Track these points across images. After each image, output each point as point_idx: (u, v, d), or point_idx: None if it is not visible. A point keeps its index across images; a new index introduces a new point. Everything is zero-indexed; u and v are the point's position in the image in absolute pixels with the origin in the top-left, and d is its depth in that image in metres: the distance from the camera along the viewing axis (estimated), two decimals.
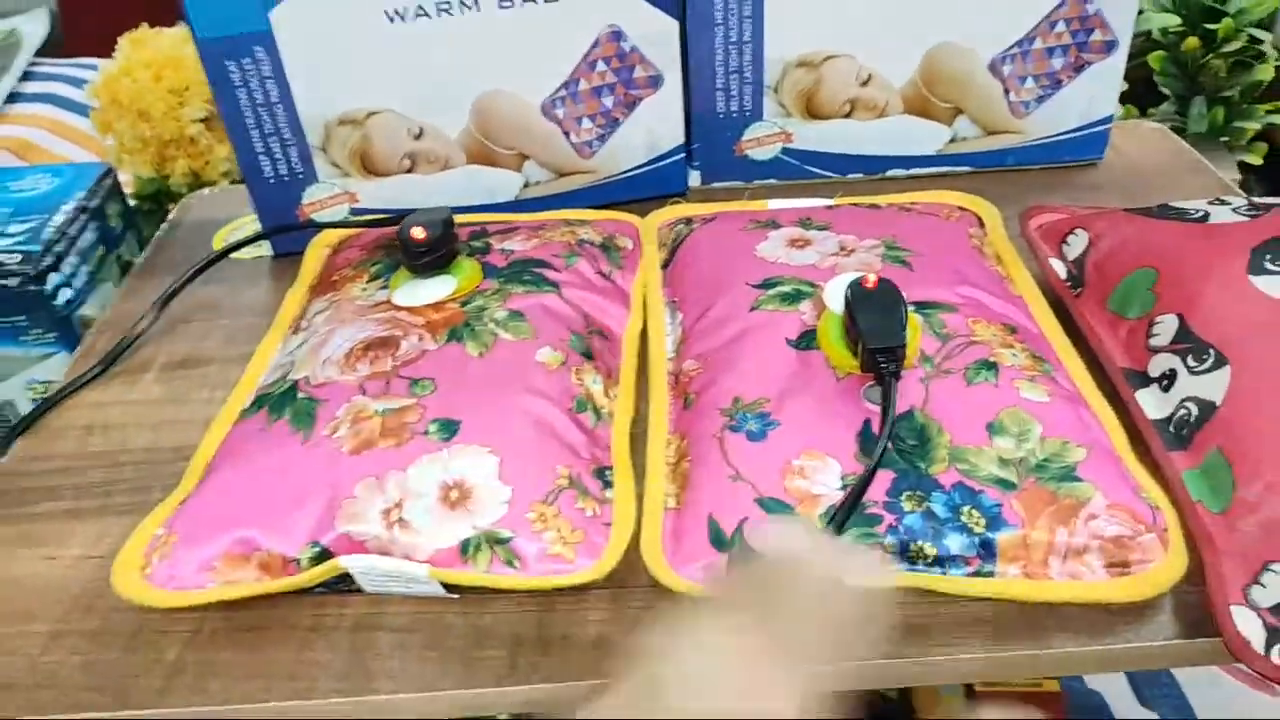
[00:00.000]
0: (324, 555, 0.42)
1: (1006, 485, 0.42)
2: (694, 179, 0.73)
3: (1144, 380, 0.49)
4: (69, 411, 0.56)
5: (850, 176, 0.72)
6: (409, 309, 0.52)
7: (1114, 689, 0.73)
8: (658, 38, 0.65)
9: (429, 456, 0.43)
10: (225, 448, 0.47)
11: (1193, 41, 0.92)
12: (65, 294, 0.72)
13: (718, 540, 0.42)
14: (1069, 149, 0.71)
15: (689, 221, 0.63)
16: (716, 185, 0.73)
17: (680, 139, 0.70)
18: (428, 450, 0.44)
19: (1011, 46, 0.67)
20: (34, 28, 1.43)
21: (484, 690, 0.40)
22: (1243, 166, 0.96)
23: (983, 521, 0.41)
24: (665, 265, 0.60)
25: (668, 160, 0.70)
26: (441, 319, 0.51)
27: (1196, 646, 0.40)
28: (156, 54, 0.95)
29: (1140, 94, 1.00)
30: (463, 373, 0.48)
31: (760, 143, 0.71)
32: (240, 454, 0.46)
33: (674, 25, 0.65)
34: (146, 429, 0.54)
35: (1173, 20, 0.93)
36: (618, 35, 0.64)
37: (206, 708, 0.40)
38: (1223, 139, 0.97)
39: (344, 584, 0.42)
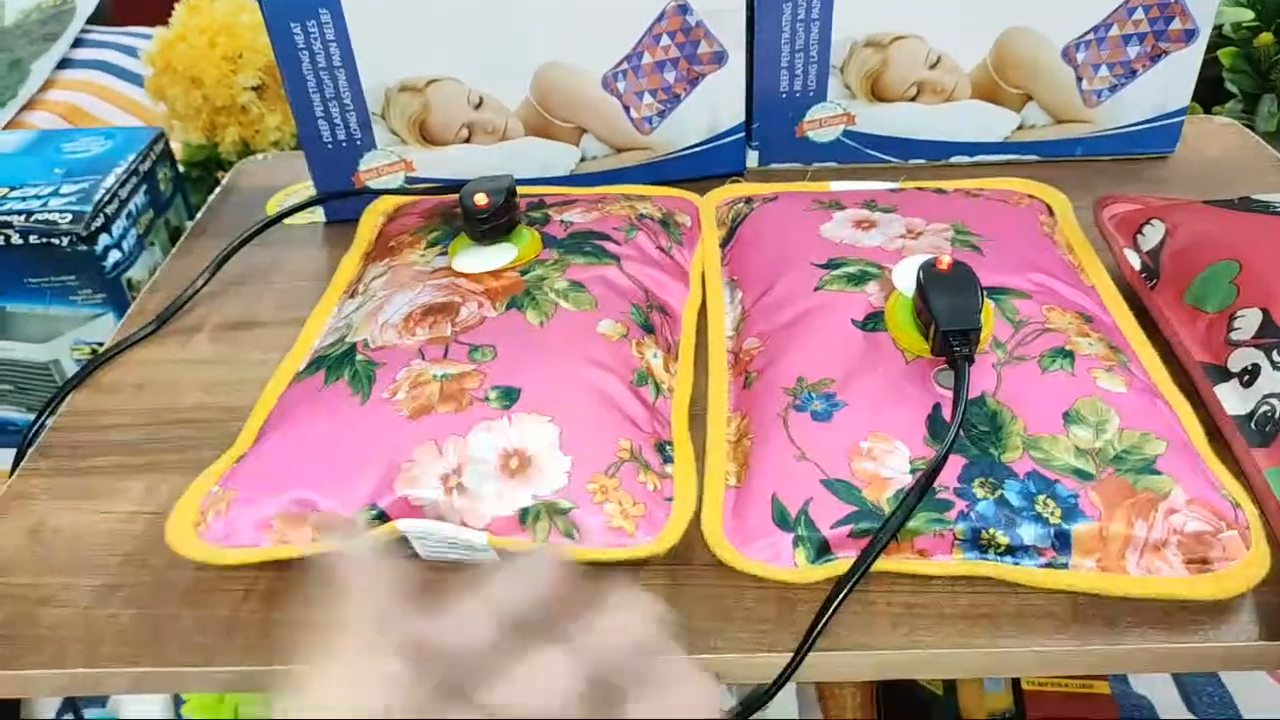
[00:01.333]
0: (381, 518, 0.41)
1: (1084, 475, 0.41)
2: (752, 159, 0.72)
3: (1223, 375, 0.47)
4: (121, 369, 0.56)
5: (912, 162, 0.71)
6: (468, 275, 0.51)
7: (1160, 693, 0.72)
8: (724, 13, 0.64)
9: (489, 423, 0.43)
10: (281, 408, 0.47)
11: (1266, 37, 0.90)
12: (114, 255, 0.72)
13: (782, 519, 0.41)
14: (1140, 141, 0.70)
15: (749, 200, 0.62)
16: (775, 166, 0.72)
17: (741, 118, 0.68)
18: (488, 417, 0.43)
19: (1086, 33, 0.65)
20: None
21: None
22: None
23: (1058, 512, 0.40)
24: (724, 244, 0.59)
25: (727, 139, 0.69)
26: (501, 287, 0.50)
27: (1276, 649, 0.38)
28: (212, 20, 0.95)
29: (1204, 91, 0.98)
30: (523, 341, 0.47)
31: (822, 124, 0.70)
32: (298, 415, 0.45)
33: (741, 1, 0.64)
34: (198, 388, 0.54)
35: (1246, 15, 0.91)
36: (684, 9, 0.63)
37: (257, 667, 0.39)
38: None
39: (401, 548, 0.42)
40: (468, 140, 0.66)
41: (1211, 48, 0.93)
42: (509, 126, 0.66)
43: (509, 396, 0.44)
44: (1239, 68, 0.93)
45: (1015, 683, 0.70)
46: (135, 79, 1.26)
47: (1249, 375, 0.46)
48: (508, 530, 0.41)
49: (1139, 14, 0.65)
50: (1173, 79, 0.67)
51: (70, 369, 0.75)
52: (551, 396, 0.44)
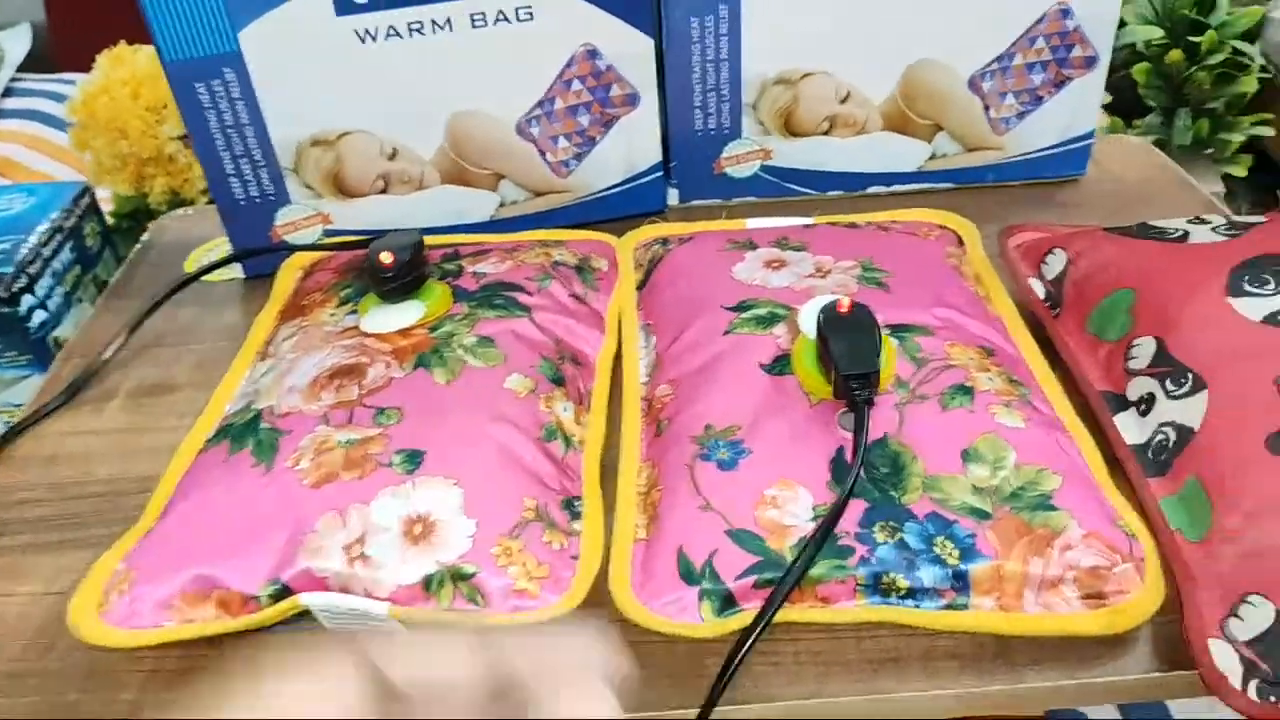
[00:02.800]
0: (284, 592, 0.41)
1: (980, 515, 0.41)
2: (672, 197, 0.72)
3: (1122, 404, 0.48)
4: (33, 440, 0.55)
5: (830, 194, 0.72)
6: (376, 335, 0.51)
7: (1101, 714, 0.73)
8: (634, 56, 0.64)
9: (392, 489, 0.43)
10: (187, 480, 0.46)
11: (1176, 54, 0.92)
12: (39, 316, 0.72)
13: (687, 573, 0.41)
14: (1050, 165, 0.71)
15: (665, 242, 0.62)
16: (695, 203, 0.72)
17: (658, 157, 0.69)
18: (391, 482, 0.43)
19: (991, 63, 0.67)
20: (16, 43, 1.43)
21: None
22: (1227, 178, 0.95)
23: (956, 553, 0.40)
24: (641, 287, 0.60)
25: (646, 179, 0.69)
26: (409, 345, 0.50)
27: (1174, 679, 0.39)
28: (135, 71, 0.95)
29: (1125, 105, 1.00)
30: (429, 401, 0.47)
31: (739, 160, 0.70)
32: (201, 487, 0.45)
33: (650, 44, 0.64)
34: (112, 458, 0.53)
35: (1156, 33, 0.93)
36: (593, 54, 0.64)
37: None
38: (1207, 151, 0.96)
39: (305, 621, 0.41)
40: (384, 191, 0.66)
41: (1126, 64, 0.95)
42: (425, 175, 0.66)
43: (413, 460, 0.44)
44: (1153, 84, 0.95)
45: None
46: (65, 126, 1.25)
47: (1145, 404, 0.47)
48: (411, 599, 0.40)
49: (1040, 43, 0.66)
50: (1078, 104, 0.69)
51: None
52: (455, 458, 0.44)
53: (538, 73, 0.64)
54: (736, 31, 0.65)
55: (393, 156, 0.65)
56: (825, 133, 0.69)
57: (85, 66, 1.26)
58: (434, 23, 0.60)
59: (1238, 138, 0.94)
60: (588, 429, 0.50)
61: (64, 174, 1.22)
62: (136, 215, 0.99)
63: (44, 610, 0.45)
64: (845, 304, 0.46)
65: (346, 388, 0.48)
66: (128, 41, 1.00)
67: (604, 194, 0.69)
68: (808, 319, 0.48)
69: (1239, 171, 0.94)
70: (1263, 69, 0.94)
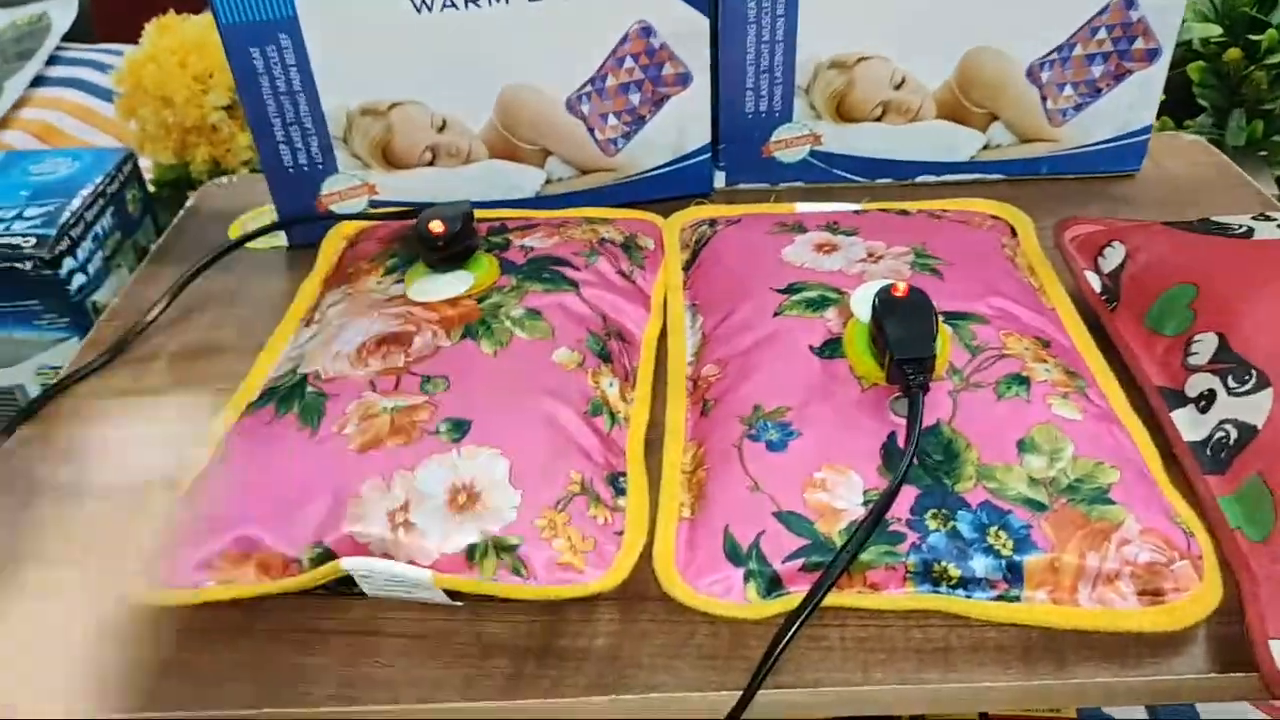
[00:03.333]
0: (327, 556, 0.41)
1: (1036, 506, 0.40)
2: (719, 180, 0.71)
3: (1180, 400, 0.47)
4: (74, 400, 0.55)
5: (879, 181, 0.71)
6: (424, 304, 0.51)
7: (1130, 715, 0.71)
8: (688, 35, 0.64)
9: (438, 457, 0.42)
10: (231, 441, 0.46)
11: (1235, 52, 0.90)
12: (79, 279, 0.72)
13: (734, 553, 0.41)
14: (1106, 159, 0.69)
15: (713, 223, 0.61)
16: (742, 187, 0.71)
17: (707, 139, 0.68)
18: (437, 450, 0.42)
19: (1051, 52, 0.65)
20: (62, 12, 1.43)
21: (486, 703, 0.38)
22: None
23: (1010, 543, 0.40)
24: (687, 267, 0.59)
25: (693, 160, 0.69)
26: (457, 315, 0.50)
27: (1231, 681, 0.38)
28: (182, 40, 0.95)
29: (1176, 106, 0.98)
30: (476, 371, 0.46)
31: (788, 144, 0.69)
32: (245, 448, 0.45)
33: (705, 23, 0.64)
34: None
35: (1214, 30, 0.91)
36: (647, 31, 0.63)
37: (196, 712, 0.39)
38: (1261, 153, 0.94)
39: (346, 587, 0.41)
40: (431, 163, 0.65)
41: (1181, 62, 0.93)
42: (473, 149, 0.65)
43: (459, 429, 0.43)
44: (1208, 82, 0.93)
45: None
46: (110, 96, 1.25)
47: (1205, 401, 0.46)
48: (455, 568, 0.40)
49: (1102, 34, 0.65)
50: (1137, 98, 0.67)
51: (35, 393, 0.74)
52: (502, 429, 0.44)
53: (591, 49, 0.63)
54: (793, 13, 0.64)
55: (442, 129, 0.64)
56: (878, 119, 0.68)
57: (128, 38, 1.27)
58: None
59: None
60: (633, 406, 0.49)
61: (107, 144, 1.22)
62: (178, 184, 0.99)
63: None
64: (902, 288, 0.46)
65: (393, 355, 0.47)
66: (176, 12, 1.00)
67: (650, 174, 0.69)
68: (861, 302, 0.48)
69: None
70: None
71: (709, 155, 0.69)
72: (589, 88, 0.65)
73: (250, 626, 0.41)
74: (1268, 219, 0.53)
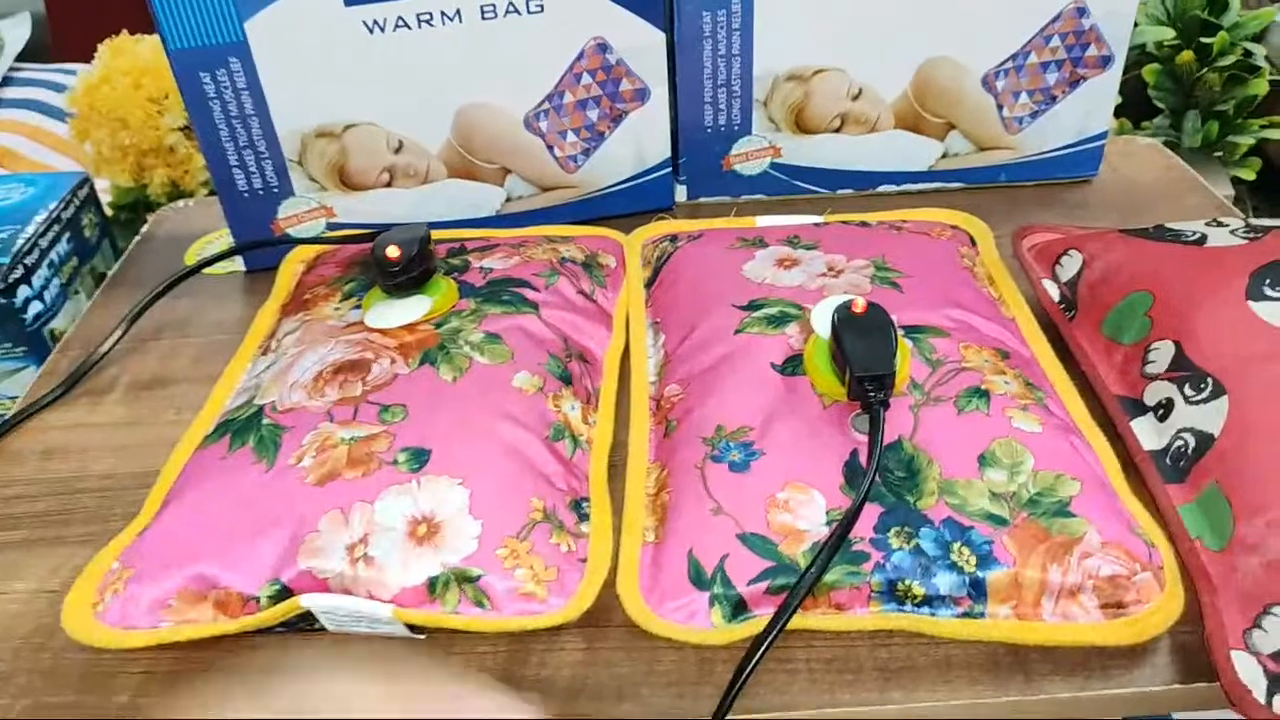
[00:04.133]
0: (285, 593, 0.40)
1: (998, 521, 0.41)
2: (680, 194, 0.71)
3: (1140, 409, 0.47)
4: (28, 434, 0.54)
5: (840, 192, 0.71)
6: (381, 331, 0.50)
7: None
8: (645, 50, 0.64)
9: (397, 488, 0.42)
10: (185, 476, 0.45)
11: (1187, 55, 0.91)
12: (35, 307, 0.71)
13: (698, 578, 0.40)
14: (1063, 166, 0.70)
15: (674, 239, 0.61)
16: (704, 200, 0.71)
17: (667, 153, 0.68)
18: (396, 481, 0.42)
19: (1005, 61, 0.66)
20: (16, 32, 1.41)
21: None
22: (1235, 181, 0.95)
23: (973, 559, 0.40)
24: (649, 284, 0.59)
25: (654, 175, 0.69)
26: (415, 341, 0.49)
27: (1194, 692, 0.38)
28: (136, 61, 0.94)
29: (1133, 107, 0.99)
30: (435, 399, 0.46)
31: (748, 157, 0.69)
32: (200, 484, 0.44)
33: (661, 38, 0.63)
34: (108, 453, 0.52)
35: (1167, 34, 0.92)
36: (603, 48, 0.63)
37: None
38: (1216, 154, 0.95)
39: (305, 623, 0.40)
40: (389, 184, 0.65)
41: (1137, 65, 0.94)
42: (431, 169, 0.65)
43: (418, 458, 0.43)
44: (1163, 85, 0.94)
45: None
46: (65, 117, 1.24)
47: (1163, 409, 0.46)
48: (416, 601, 0.39)
49: (1055, 41, 0.65)
50: (1092, 104, 0.68)
51: None
52: (462, 457, 0.43)
53: (547, 66, 0.63)
54: (749, 26, 0.64)
55: (399, 150, 0.64)
56: (836, 130, 0.68)
57: (84, 56, 1.25)
58: (443, 14, 0.59)
59: (1247, 140, 0.93)
60: (595, 429, 0.49)
61: (64, 165, 1.21)
62: (135, 207, 0.98)
63: (39, 609, 0.44)
64: (860, 304, 0.46)
65: (350, 384, 0.47)
66: (128, 31, 0.99)
67: (611, 190, 0.68)
68: (821, 319, 0.48)
69: (1248, 175, 0.93)
70: (1272, 71, 0.93)
71: (670, 170, 0.69)
72: (546, 105, 0.64)
73: (208, 666, 0.40)
74: (1219, 224, 0.53)
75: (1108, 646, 0.39)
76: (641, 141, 0.67)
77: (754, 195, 0.71)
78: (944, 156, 0.69)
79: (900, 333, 0.47)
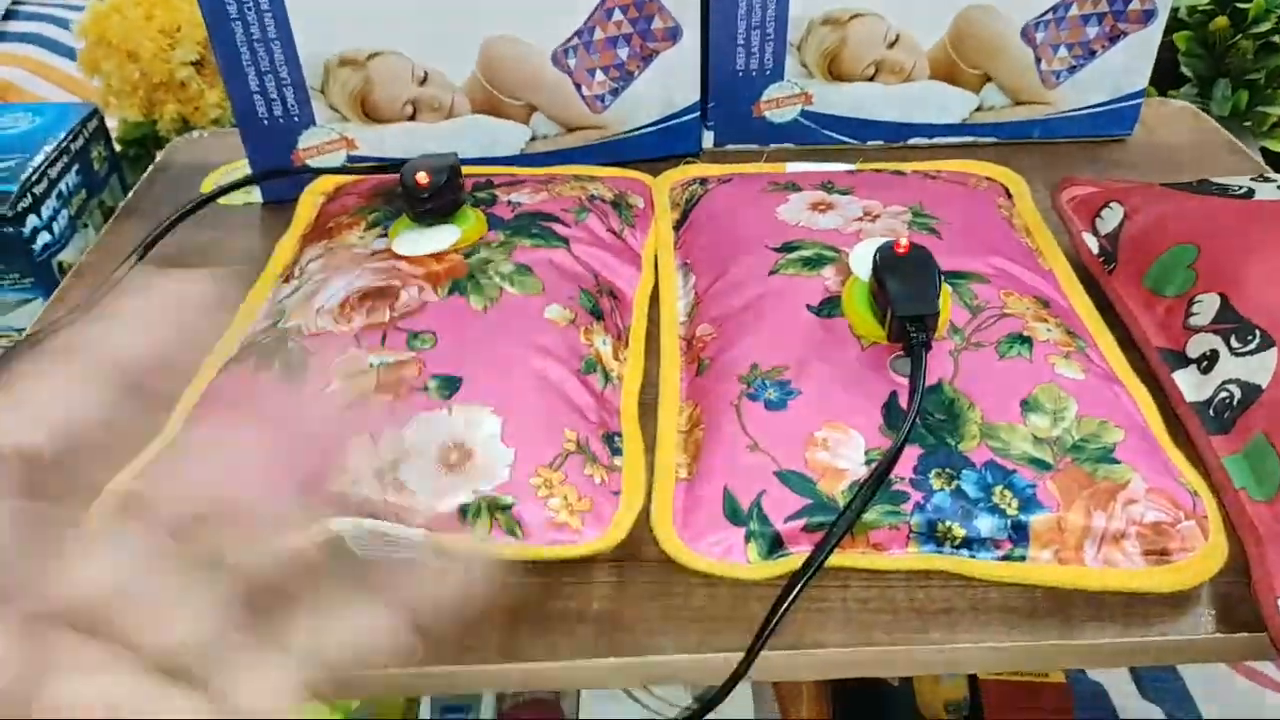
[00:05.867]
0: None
1: (1041, 465, 0.40)
2: (707, 140, 0.70)
3: (1181, 360, 0.46)
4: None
5: (870, 143, 0.69)
6: (409, 258, 0.49)
7: (1116, 681, 0.72)
8: None
9: (427, 415, 0.41)
10: (209, 398, 0.44)
11: (1221, 21, 0.89)
12: (44, 238, 0.69)
13: (734, 514, 0.39)
14: (1099, 123, 0.69)
15: (703, 182, 0.60)
16: (731, 147, 0.70)
17: (696, 97, 0.67)
18: (426, 408, 0.41)
19: (1046, 12, 0.64)
20: None
21: (482, 667, 0.37)
22: (1265, 153, 0.93)
23: (1015, 503, 0.39)
24: (678, 226, 0.58)
25: (682, 119, 0.67)
26: (444, 270, 0.48)
27: (1238, 641, 0.38)
28: None
29: (1160, 76, 0.97)
30: (466, 327, 0.45)
31: (779, 104, 0.68)
32: (225, 405, 0.43)
33: None
34: None
35: None
36: None
37: None
38: (1245, 123, 0.94)
39: (336, 547, 0.39)
40: (412, 118, 0.63)
41: (1166, 31, 0.93)
42: (455, 104, 0.63)
43: (449, 386, 0.42)
44: (1194, 51, 0.93)
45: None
46: (70, 53, 1.21)
47: (1207, 361, 0.45)
48: (448, 527, 0.39)
49: None
50: (1131, 60, 0.66)
51: None
52: (494, 386, 0.42)
53: (578, 0, 0.61)
54: None
55: (423, 81, 0.62)
56: (870, 78, 0.67)
57: None
58: None
59: (1277, 111, 0.92)
60: (625, 366, 0.48)
61: (67, 101, 1.19)
62: (144, 142, 0.96)
63: None
64: (904, 244, 0.45)
65: (378, 310, 0.46)
66: None
67: (638, 132, 0.67)
68: (861, 260, 0.46)
69: (1276, 146, 0.92)
70: None
71: (698, 114, 0.67)
72: (576, 41, 0.63)
73: None
74: (1267, 180, 0.52)
75: (1149, 594, 0.38)
76: (670, 83, 0.66)
77: (783, 144, 0.70)
78: (979, 109, 0.68)
79: (941, 276, 0.46)
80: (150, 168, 0.72)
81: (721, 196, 0.57)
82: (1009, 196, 0.59)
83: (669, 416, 0.45)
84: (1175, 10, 0.93)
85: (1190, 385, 0.45)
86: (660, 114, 0.67)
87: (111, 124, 0.93)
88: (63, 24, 1.28)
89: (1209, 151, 0.69)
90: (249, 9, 0.58)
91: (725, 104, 0.68)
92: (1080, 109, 0.68)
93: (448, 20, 0.60)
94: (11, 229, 0.66)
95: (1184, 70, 0.96)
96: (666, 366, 0.48)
